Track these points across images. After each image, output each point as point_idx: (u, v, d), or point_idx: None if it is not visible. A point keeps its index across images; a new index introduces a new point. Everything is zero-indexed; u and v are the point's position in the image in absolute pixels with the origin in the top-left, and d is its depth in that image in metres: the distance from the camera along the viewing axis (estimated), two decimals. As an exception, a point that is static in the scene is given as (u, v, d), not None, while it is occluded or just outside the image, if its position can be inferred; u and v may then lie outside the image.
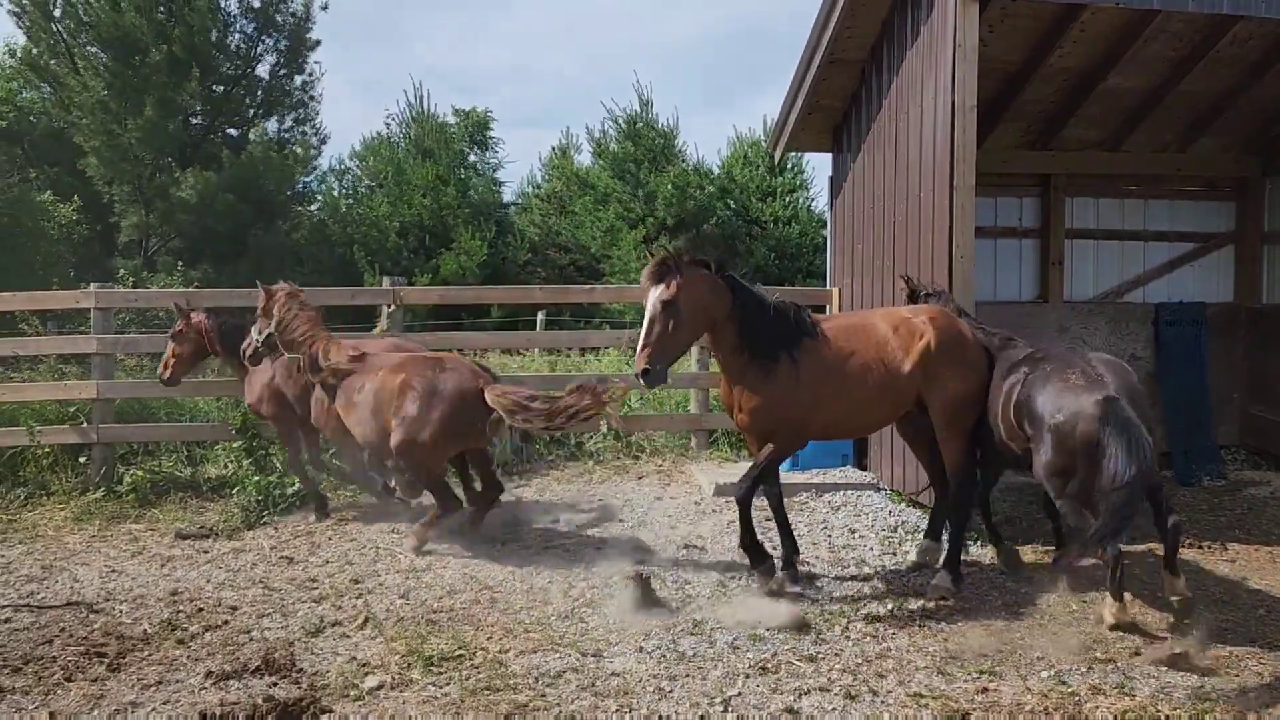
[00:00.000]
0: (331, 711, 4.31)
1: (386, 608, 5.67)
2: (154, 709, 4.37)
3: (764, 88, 66.36)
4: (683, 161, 26.89)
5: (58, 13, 23.19)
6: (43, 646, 5.17)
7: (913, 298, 6.52)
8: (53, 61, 23.33)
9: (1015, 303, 9.82)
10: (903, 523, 7.35)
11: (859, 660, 4.83)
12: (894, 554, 6.68)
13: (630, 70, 64.11)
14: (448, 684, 4.59)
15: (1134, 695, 4.40)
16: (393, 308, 9.28)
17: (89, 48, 23.08)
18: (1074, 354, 5.57)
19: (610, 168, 26.79)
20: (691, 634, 5.19)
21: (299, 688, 4.55)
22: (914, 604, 5.64)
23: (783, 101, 9.49)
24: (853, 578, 6.19)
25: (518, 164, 37.64)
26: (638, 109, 26.98)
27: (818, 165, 33.33)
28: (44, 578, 6.45)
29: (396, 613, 5.58)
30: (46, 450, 8.81)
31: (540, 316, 17.91)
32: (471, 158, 29.25)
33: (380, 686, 4.56)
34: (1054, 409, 5.11)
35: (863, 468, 8.77)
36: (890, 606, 5.60)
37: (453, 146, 27.86)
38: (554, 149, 30.16)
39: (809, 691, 4.44)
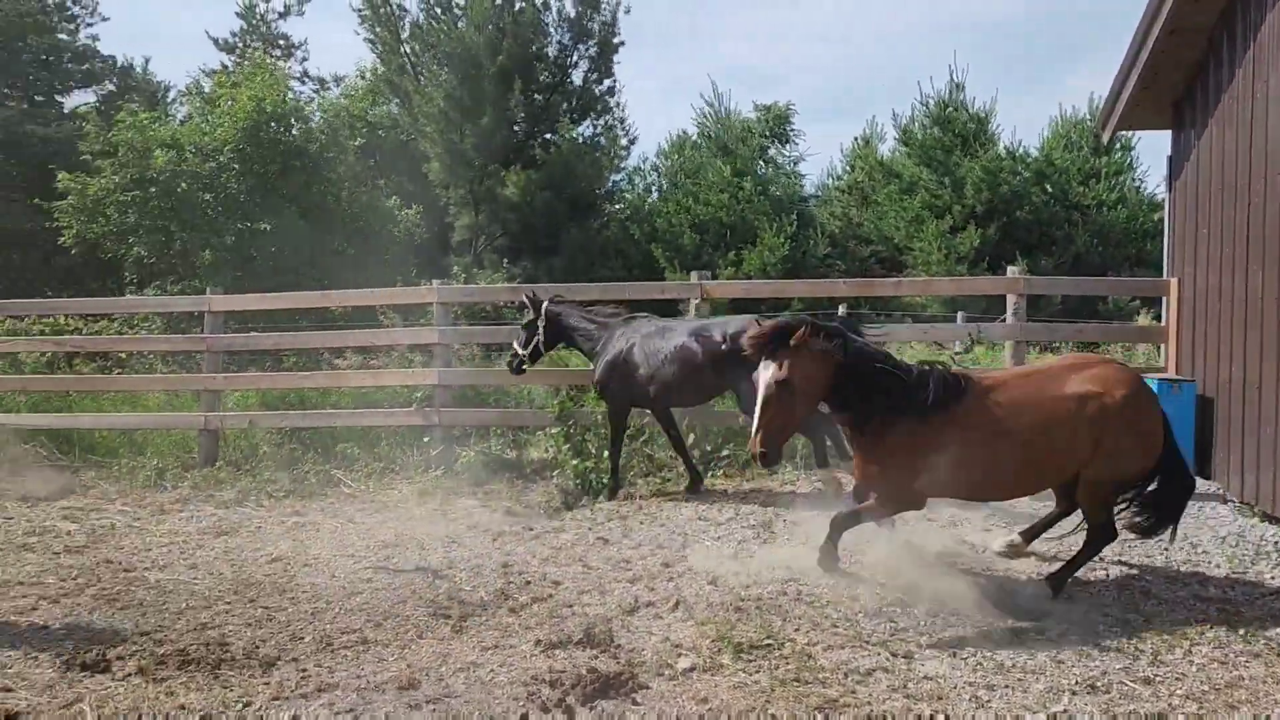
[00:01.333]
0: (648, 688, 4.53)
1: (696, 592, 5.85)
2: (492, 670, 4.80)
3: (1090, 64, 61.63)
4: (996, 145, 25.59)
5: (405, 34, 25.85)
6: (398, 605, 5.81)
7: (534, 309, 6.27)
8: (401, 79, 26.06)
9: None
10: (1256, 539, 6.59)
11: (1204, 687, 4.41)
12: (1245, 574, 6.02)
13: (937, 54, 61.70)
14: (757, 672, 4.68)
15: None
16: (698, 301, 9.54)
17: (432, 65, 25.57)
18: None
19: (916, 155, 26.00)
20: (1010, 644, 4.96)
21: (618, 662, 4.82)
22: (1271, 630, 5.06)
23: (1114, 77, 8.78)
24: (1196, 598, 5.64)
25: (819, 156, 37.46)
26: (948, 93, 25.98)
27: (1151, 144, 30.47)
28: (396, 544, 7.23)
29: (706, 598, 5.74)
30: (397, 430, 9.89)
31: (841, 310, 17.72)
32: (771, 152, 29.40)
33: (692, 669, 4.73)
34: None
35: (1206, 476, 7.94)
36: (1241, 631, 5.06)
37: (752, 142, 28.14)
38: (856, 139, 29.72)
39: (1146, 717, 4.11)
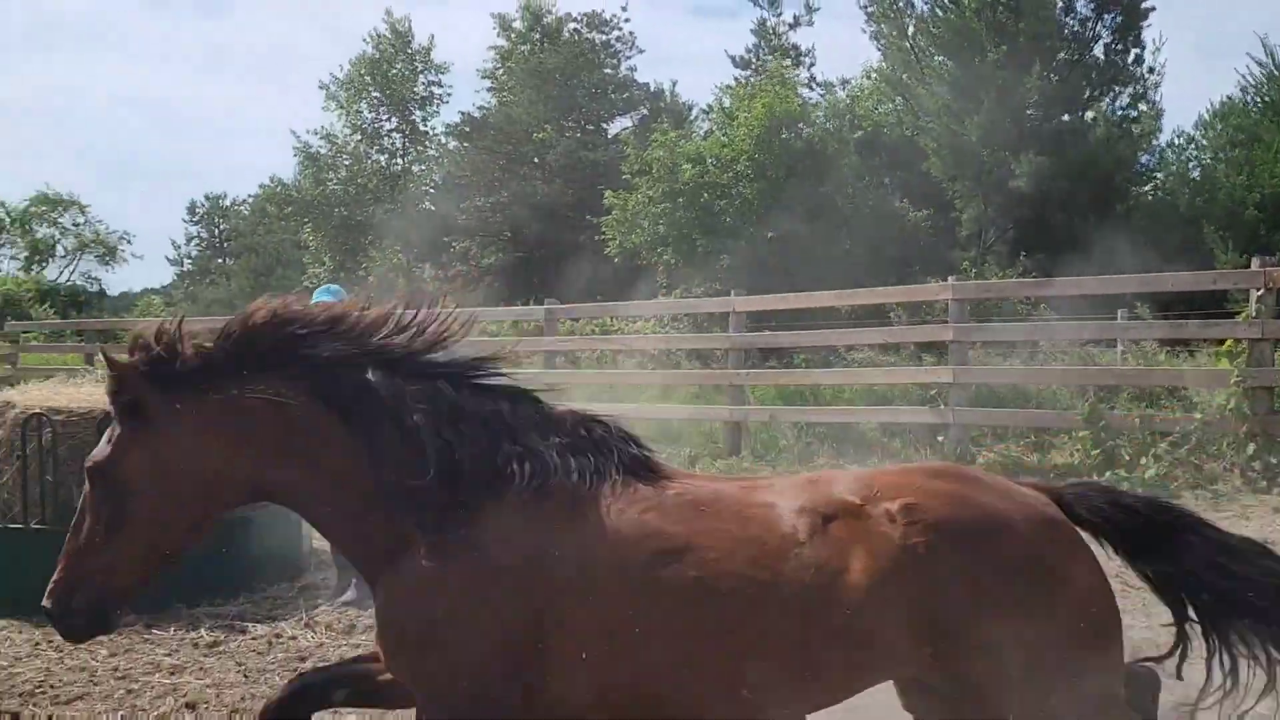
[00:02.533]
0: (1214, 729, 4.02)
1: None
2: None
3: None
4: None
5: (910, 30, 25.74)
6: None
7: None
8: (904, 75, 25.97)
9: None
10: None
11: None
12: None
13: None
14: None
15: None
16: (1260, 292, 8.25)
17: (936, 57, 25.16)
18: None
19: None
20: None
21: (1173, 694, 4.34)
22: None
23: None
24: None
25: None
26: None
27: None
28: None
29: None
30: (909, 427, 9.87)
31: None
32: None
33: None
34: None
35: None
36: None
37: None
38: None
39: None
